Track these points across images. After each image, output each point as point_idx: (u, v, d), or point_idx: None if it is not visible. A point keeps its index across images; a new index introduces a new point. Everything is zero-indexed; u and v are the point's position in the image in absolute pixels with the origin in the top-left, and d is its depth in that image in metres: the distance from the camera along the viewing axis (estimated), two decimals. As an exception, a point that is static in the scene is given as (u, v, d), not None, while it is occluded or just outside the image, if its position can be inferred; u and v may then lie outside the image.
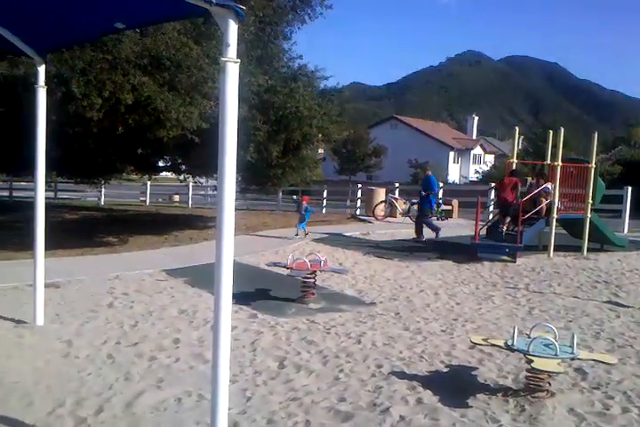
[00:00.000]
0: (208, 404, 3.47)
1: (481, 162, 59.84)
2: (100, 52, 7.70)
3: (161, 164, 15.78)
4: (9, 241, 10.43)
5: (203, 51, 9.06)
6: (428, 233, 13.01)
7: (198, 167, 14.19)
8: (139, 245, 11.13)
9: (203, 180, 17.59)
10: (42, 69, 5.34)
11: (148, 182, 24.27)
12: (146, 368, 4.54)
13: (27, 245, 8.49)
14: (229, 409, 3.13)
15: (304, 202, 13.30)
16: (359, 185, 22.41)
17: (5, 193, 24.16)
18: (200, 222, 16.38)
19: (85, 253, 10.08)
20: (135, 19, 4.54)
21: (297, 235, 12.73)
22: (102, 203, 23.80)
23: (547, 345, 4.12)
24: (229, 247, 3.03)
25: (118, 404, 3.86)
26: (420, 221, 13.40)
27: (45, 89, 5.37)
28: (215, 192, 13.66)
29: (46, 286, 5.72)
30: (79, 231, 12.86)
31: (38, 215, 5.43)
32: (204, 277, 7.86)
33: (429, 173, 14.36)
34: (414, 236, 13.20)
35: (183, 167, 14.98)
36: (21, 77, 7.40)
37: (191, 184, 22.15)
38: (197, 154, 12.02)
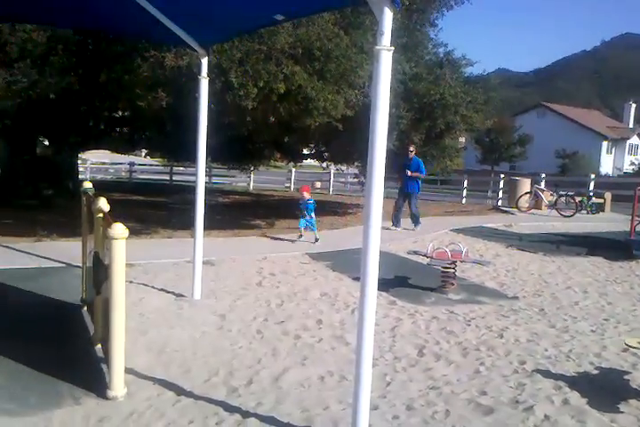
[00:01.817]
0: (349, 384, 3.60)
1: (638, 152, 55.06)
2: (257, 43, 8.09)
3: (305, 151, 16.32)
4: (169, 221, 11.36)
5: (351, 40, 9.22)
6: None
7: (340, 155, 14.49)
8: (284, 229, 11.63)
9: (344, 167, 17.93)
10: (205, 61, 5.64)
11: (293, 169, 25.20)
12: (291, 346, 4.77)
13: (184, 224, 9.23)
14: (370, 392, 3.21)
15: (304, 192, 10.31)
16: (502, 175, 21.59)
17: (166, 177, 26.23)
18: (340, 209, 16.72)
19: (236, 234, 10.71)
20: (294, 10, 4.70)
21: (300, 236, 10.04)
22: (251, 188, 25.08)
23: None
24: (376, 235, 3.07)
25: (266, 377, 4.09)
26: (400, 207, 12.04)
27: (207, 80, 5.71)
28: (355, 179, 13.72)
29: (203, 263, 6.16)
30: (231, 214, 13.69)
31: (198, 198, 5.80)
32: (344, 261, 8.09)
33: (413, 152, 12.00)
34: (391, 225, 11.97)
35: (326, 155, 15.37)
36: (185, 68, 7.97)
37: (333, 171, 22.64)
38: (340, 142, 12.31)
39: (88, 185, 5.49)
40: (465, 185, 21.75)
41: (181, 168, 25.19)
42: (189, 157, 13.76)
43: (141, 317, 5.33)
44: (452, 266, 6.92)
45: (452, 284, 6.91)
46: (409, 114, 11.46)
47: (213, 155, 12.20)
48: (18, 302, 5.70)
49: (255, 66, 8.09)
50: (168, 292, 6.23)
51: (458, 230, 12.20)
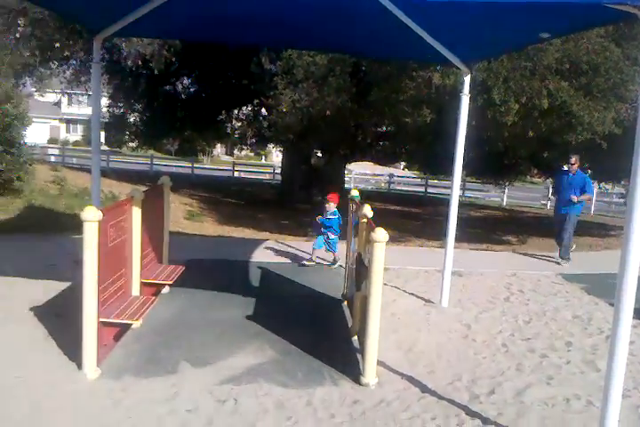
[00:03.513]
0: (596, 411, 3.51)
1: None
2: (523, 59, 8.08)
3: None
4: (422, 231, 11.85)
5: (623, 53, 8.66)
6: None
7: (604, 173, 13.53)
8: (536, 247, 11.26)
9: (608, 186, 16.64)
10: (467, 79, 5.85)
11: (551, 186, 23.99)
12: (537, 363, 4.74)
13: (436, 235, 9.61)
14: (618, 421, 3.12)
15: (331, 202, 7.73)
16: None
17: (421, 189, 27.03)
18: (601, 230, 15.53)
19: (486, 248, 10.70)
20: (560, 29, 4.70)
21: (312, 260, 7.87)
22: (504, 203, 24.55)
23: None
24: (635, 259, 2.98)
25: (508, 390, 4.16)
26: (569, 232, 9.23)
27: (468, 97, 5.91)
28: (621, 200, 12.57)
29: (452, 273, 6.38)
30: (482, 228, 13.69)
31: (452, 210, 6.04)
32: (602, 285, 7.60)
33: (575, 165, 9.03)
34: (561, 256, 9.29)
35: (589, 172, 14.45)
36: (450, 86, 8.31)
37: (595, 190, 21.06)
38: (604, 159, 11.51)
39: (355, 193, 6.12)
40: None
41: (435, 181, 25.68)
42: (445, 170, 14.15)
43: (393, 316, 5.77)
44: None
45: None
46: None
47: (469, 169, 12.34)
48: (290, 292, 6.59)
49: (519, 82, 8.09)
50: (418, 297, 6.59)
51: None
